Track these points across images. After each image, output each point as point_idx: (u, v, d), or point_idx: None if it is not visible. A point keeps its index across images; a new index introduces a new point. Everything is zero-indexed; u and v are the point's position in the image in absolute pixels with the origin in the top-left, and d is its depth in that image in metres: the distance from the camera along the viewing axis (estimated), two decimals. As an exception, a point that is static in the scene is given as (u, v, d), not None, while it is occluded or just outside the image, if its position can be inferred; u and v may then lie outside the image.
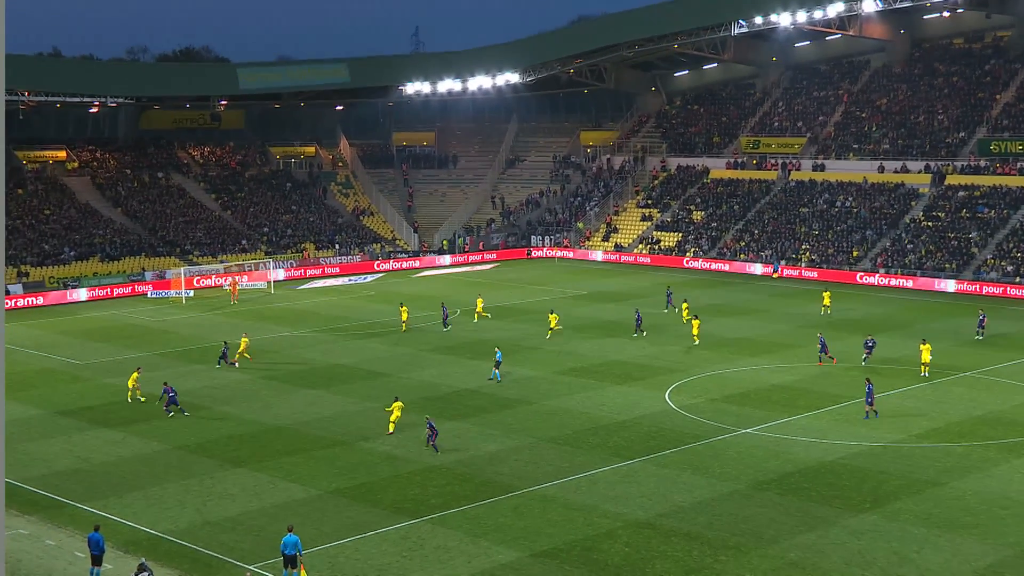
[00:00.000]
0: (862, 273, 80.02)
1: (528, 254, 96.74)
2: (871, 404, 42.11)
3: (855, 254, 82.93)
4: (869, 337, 53.00)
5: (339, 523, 31.71)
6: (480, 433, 40.85)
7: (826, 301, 65.66)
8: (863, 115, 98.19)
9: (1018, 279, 74.44)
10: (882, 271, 79.39)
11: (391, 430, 40.30)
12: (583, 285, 79.34)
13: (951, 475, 35.53)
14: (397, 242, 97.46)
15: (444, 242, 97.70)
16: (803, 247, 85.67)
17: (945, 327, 61.79)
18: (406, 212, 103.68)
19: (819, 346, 52.31)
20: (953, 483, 34.79)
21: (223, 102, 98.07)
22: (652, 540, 30.23)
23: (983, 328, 58.05)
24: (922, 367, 49.09)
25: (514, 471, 36.31)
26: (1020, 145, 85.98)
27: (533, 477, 35.65)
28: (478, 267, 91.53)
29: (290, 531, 27.91)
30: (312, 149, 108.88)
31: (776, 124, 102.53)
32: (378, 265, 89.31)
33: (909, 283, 77.12)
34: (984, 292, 73.44)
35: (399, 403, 40.79)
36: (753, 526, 31.21)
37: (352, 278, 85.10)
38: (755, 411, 43.52)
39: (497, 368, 49.23)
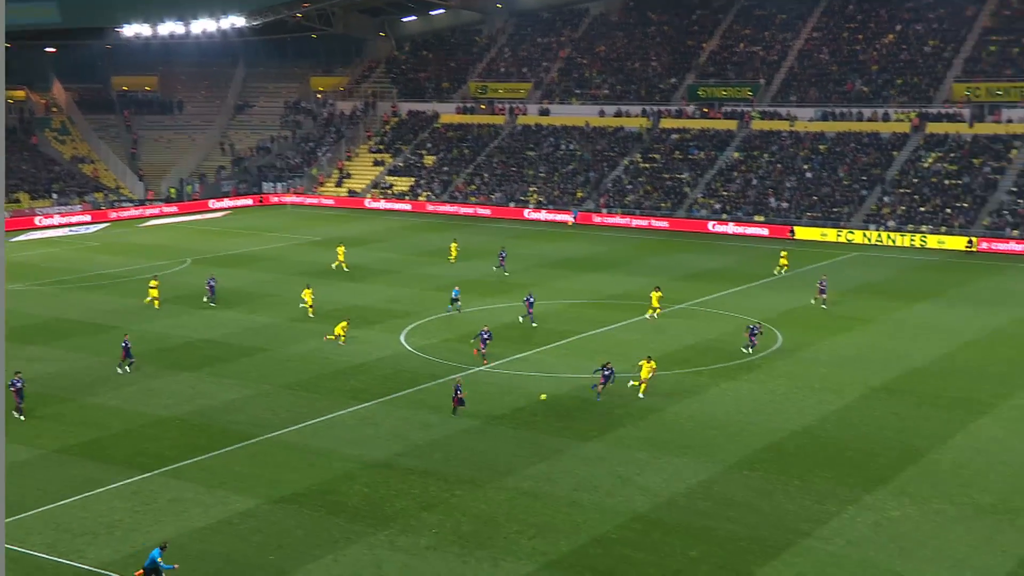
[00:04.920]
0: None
1: (261, 201, 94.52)
2: (603, 386, 37.93)
3: (579, 195, 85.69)
4: (756, 324, 45.41)
5: (64, 481, 30.11)
6: (215, 382, 39.76)
7: (783, 261, 61.54)
8: (584, 61, 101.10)
9: (724, 215, 79.14)
10: (605, 211, 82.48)
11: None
12: (317, 231, 78.29)
13: (668, 401, 37.49)
14: (121, 190, 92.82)
15: (171, 190, 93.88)
16: (531, 189, 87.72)
17: (661, 263, 64.98)
18: (130, 159, 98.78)
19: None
20: (670, 408, 36.74)
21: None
22: (390, 479, 30.42)
23: (823, 294, 52.78)
24: (650, 310, 49.22)
25: (251, 419, 35.59)
26: (725, 91, 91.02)
27: (271, 424, 35.07)
28: (209, 215, 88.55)
29: (162, 548, 24.23)
30: (22, 93, 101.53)
31: (503, 70, 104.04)
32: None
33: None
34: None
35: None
36: (488, 460, 31.95)
37: (74, 228, 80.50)
38: (489, 349, 44.34)
39: (453, 303, 50.34)
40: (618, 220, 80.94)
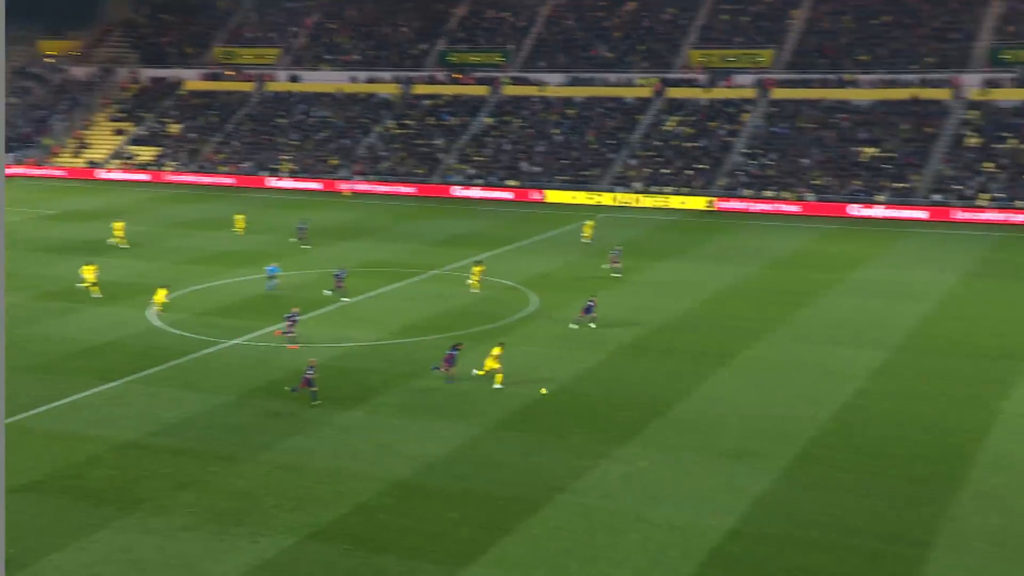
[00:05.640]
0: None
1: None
2: (446, 369, 36.11)
3: (333, 163, 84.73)
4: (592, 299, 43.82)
5: None
6: (-58, 370, 37.13)
7: (587, 231, 60.60)
8: (334, 26, 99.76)
9: (478, 181, 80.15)
10: (359, 178, 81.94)
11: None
12: (52, 205, 74.20)
13: (424, 367, 37.65)
14: None
15: None
16: (283, 157, 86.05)
17: (414, 229, 65.29)
18: None
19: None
20: (427, 374, 36.95)
21: None
22: (140, 460, 29.38)
23: (616, 263, 52.29)
24: (472, 287, 48.08)
25: (-16, 406, 33.44)
26: (476, 57, 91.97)
27: (7, 410, 33.02)
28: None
29: None
30: None
31: (249, 35, 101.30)
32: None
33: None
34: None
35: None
36: (243, 435, 31.33)
37: None
38: (242, 322, 43.43)
39: (271, 279, 48.19)
40: (366, 187, 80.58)
